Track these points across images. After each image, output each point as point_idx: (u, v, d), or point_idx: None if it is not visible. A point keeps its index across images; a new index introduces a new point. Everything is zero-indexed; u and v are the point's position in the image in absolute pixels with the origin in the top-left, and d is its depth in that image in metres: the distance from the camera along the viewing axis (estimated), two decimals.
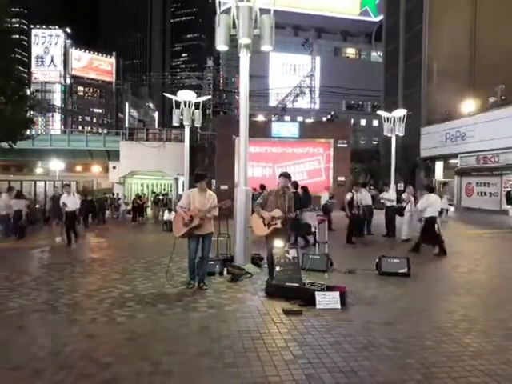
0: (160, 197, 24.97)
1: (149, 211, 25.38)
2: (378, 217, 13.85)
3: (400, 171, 27.94)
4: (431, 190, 10.52)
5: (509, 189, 18.75)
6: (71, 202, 11.73)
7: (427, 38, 34.61)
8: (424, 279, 7.20)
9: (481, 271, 7.99)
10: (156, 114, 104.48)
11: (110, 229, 18.29)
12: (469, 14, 33.90)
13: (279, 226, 6.44)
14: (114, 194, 27.86)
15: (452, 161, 28.56)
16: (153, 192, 30.91)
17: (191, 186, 18.97)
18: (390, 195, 13.12)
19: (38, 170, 46.91)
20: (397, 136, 22.23)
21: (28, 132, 21.77)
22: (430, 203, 9.69)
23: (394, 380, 3.44)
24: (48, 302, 5.75)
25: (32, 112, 24.62)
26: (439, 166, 31.06)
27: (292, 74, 61.59)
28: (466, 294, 6.31)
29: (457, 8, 33.12)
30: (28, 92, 25.45)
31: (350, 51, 71.83)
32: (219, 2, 8.10)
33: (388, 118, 22.24)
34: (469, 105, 27.76)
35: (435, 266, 8.58)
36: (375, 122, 53.01)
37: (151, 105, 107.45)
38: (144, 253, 10.08)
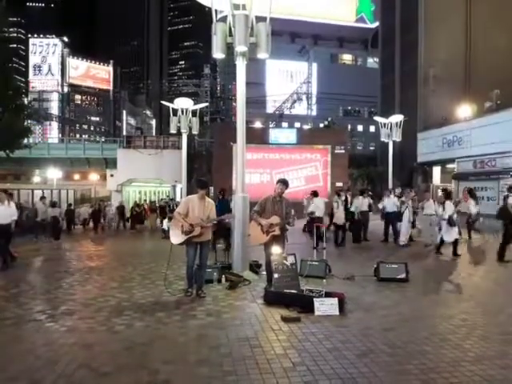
0: (162, 203, 24.51)
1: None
2: (375, 222, 13.87)
3: (397, 176, 28.02)
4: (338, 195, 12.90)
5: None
6: (4, 213, 9.26)
7: (423, 44, 34.86)
8: (422, 284, 7.19)
9: (479, 276, 7.99)
10: (153, 122, 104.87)
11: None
12: (463, 19, 34.18)
13: (278, 232, 6.43)
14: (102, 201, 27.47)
15: (449, 165, 28.68)
16: (144, 201, 29.78)
17: (189, 193, 19.00)
18: (389, 201, 12.94)
19: (36, 179, 46.85)
20: (394, 141, 22.37)
21: (25, 141, 21.75)
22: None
23: None
24: (45, 311, 5.72)
25: (29, 121, 24.64)
26: (436, 171, 31.17)
27: (289, 80, 61.85)
28: (465, 298, 6.31)
29: (451, 14, 33.39)
30: (25, 101, 25.47)
31: (347, 57, 72.21)
32: (215, 11, 8.14)
33: (385, 124, 22.40)
34: (465, 110, 27.91)
35: (433, 270, 8.58)
36: (372, 128, 53.23)
37: (148, 112, 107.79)
38: (142, 261, 10.05)
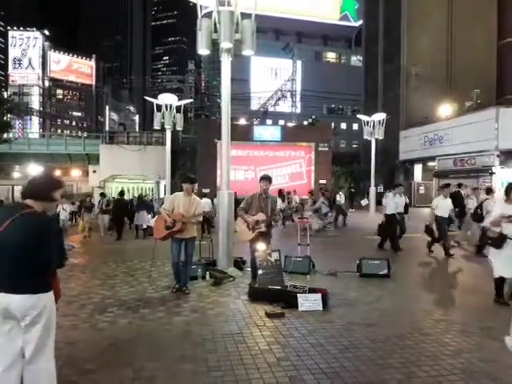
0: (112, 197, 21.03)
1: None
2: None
3: (380, 174, 28.34)
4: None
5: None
6: None
7: (405, 44, 35.27)
8: (404, 280, 7.32)
9: (460, 271, 8.15)
10: (137, 118, 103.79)
11: None
12: (445, 20, 34.70)
13: (263, 229, 6.46)
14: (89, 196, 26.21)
15: (430, 163, 29.14)
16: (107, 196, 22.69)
17: (173, 189, 18.88)
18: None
19: (16, 175, 45.90)
20: (376, 139, 22.61)
21: (5, 136, 21.34)
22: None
23: (375, 380, 3.49)
24: None
25: (9, 115, 24.16)
26: (418, 169, 31.64)
27: (273, 77, 61.84)
28: (445, 293, 6.44)
29: (433, 14, 33.86)
30: (5, 95, 24.96)
31: (331, 55, 72.59)
32: (200, 6, 8.10)
33: (368, 122, 22.62)
34: (446, 109, 28.40)
35: (414, 267, 8.73)
36: (355, 126, 53.64)
37: (132, 108, 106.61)
38: (125, 258, 9.97)
